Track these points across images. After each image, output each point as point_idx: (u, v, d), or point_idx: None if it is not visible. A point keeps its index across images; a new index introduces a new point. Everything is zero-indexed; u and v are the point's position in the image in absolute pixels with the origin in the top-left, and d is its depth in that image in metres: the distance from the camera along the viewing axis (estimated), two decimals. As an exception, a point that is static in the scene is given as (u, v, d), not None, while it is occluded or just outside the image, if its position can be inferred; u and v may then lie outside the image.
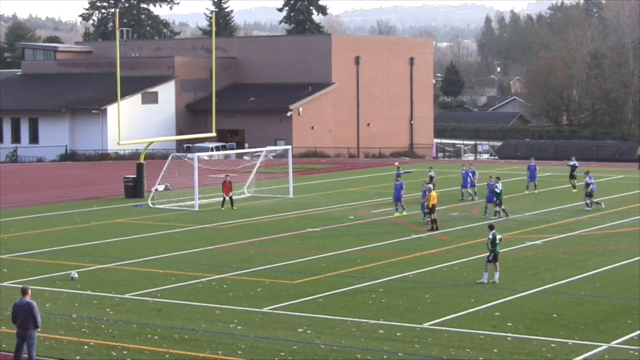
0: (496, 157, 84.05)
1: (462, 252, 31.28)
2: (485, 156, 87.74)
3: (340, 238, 34.79)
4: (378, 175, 57.59)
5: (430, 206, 36.27)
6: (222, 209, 43.16)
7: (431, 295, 24.78)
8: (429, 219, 37.07)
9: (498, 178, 40.06)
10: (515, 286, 25.82)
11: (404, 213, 39.89)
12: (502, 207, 39.42)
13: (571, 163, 49.01)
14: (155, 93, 78.90)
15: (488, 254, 26.48)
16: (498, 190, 39.21)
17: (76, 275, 27.48)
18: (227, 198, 43.51)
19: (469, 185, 44.91)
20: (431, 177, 43.72)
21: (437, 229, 36.05)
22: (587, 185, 42.27)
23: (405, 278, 27.20)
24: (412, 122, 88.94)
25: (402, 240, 34.22)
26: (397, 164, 68.83)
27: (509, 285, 25.92)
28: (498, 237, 26.56)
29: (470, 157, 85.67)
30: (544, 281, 26.42)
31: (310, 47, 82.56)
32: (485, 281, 26.16)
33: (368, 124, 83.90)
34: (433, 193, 36.86)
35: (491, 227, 27.06)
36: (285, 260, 30.22)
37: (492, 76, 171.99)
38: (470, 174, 45.04)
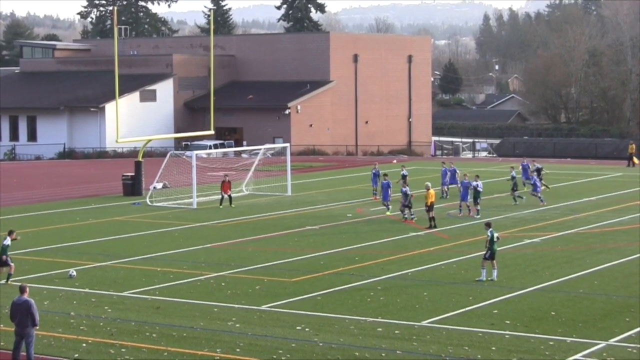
0: (494, 155, 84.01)
1: (461, 249, 31.27)
2: (484, 154, 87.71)
3: (339, 236, 34.82)
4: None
5: (429, 204, 36.30)
6: (220, 207, 43.15)
7: (429, 293, 24.78)
8: (407, 217, 37.53)
9: (477, 176, 40.09)
10: (514, 284, 25.83)
11: (390, 212, 39.81)
12: (478, 207, 39.23)
13: (537, 166, 48.49)
14: (154, 91, 78.82)
15: (485, 251, 26.46)
16: (480, 189, 39.12)
17: (74, 273, 27.48)
18: (226, 196, 43.53)
19: (448, 183, 45.34)
20: (404, 176, 43.41)
21: (435, 226, 36.06)
22: (513, 178, 43.23)
23: (404, 276, 27.19)
24: (410, 119, 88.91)
25: (400, 238, 34.22)
26: (395, 161, 68.84)
27: (507, 283, 25.92)
28: (495, 235, 26.55)
29: (469, 154, 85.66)
30: (542, 279, 26.44)
31: (308, 45, 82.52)
32: (484, 279, 26.16)
33: (366, 122, 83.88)
34: (431, 191, 36.89)
35: (488, 225, 27.07)
36: (283, 258, 30.21)
37: (491, 74, 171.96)
38: (449, 172, 45.53)
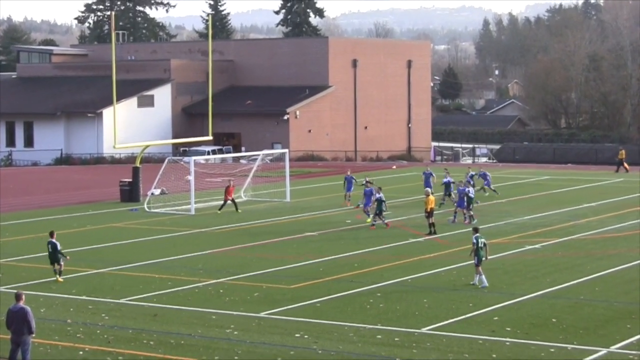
0: (494, 161, 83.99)
1: (461, 256, 31.18)
2: (484, 159, 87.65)
3: (338, 242, 34.79)
4: (376, 179, 57.48)
5: (429, 210, 36.24)
6: (219, 212, 43.15)
7: (429, 300, 24.74)
8: (373, 223, 37.50)
9: (469, 182, 40.00)
10: (514, 290, 25.79)
11: (368, 220, 39.32)
12: (471, 212, 39.08)
13: (445, 180, 48.08)
14: (152, 96, 78.77)
15: (474, 258, 26.45)
16: (472, 195, 39.03)
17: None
18: (230, 202, 43.57)
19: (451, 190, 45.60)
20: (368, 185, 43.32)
21: (435, 232, 36.01)
22: (448, 184, 43.82)
23: (404, 282, 27.16)
24: (409, 125, 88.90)
25: (400, 244, 34.19)
26: (395, 167, 68.82)
27: (508, 290, 25.89)
28: (482, 241, 26.56)
29: (468, 160, 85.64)
30: (543, 285, 26.40)
31: (307, 50, 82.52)
32: (487, 284, 26.13)
33: (365, 127, 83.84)
34: (431, 197, 36.83)
35: (475, 230, 27.08)
36: (282, 264, 30.18)
37: (490, 79, 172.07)
38: (432, 175, 46.22)
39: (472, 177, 46.04)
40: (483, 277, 26.32)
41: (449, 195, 43.83)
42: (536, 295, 25.21)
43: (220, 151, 72.73)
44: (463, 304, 24.14)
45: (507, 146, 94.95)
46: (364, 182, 41.80)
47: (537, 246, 33.33)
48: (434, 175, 46.52)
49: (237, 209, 43.58)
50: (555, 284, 26.56)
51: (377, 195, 38.16)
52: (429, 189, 38.49)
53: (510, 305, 24.05)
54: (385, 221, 37.99)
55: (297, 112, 77.66)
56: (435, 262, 30.43)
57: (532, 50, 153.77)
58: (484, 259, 26.57)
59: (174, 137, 75.96)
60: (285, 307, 24.02)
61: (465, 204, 38.78)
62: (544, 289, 25.95)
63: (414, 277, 27.83)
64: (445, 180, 44.08)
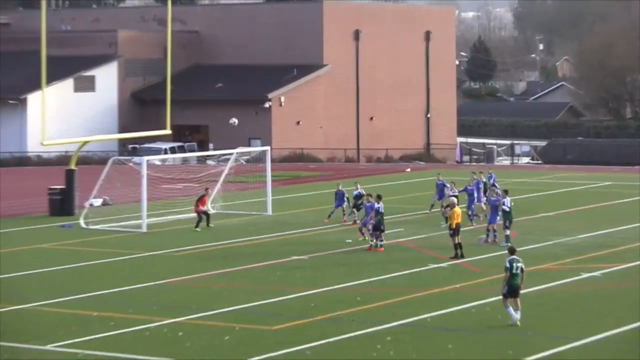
0: (539, 162, 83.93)
1: (496, 287, 30.85)
2: (526, 160, 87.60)
3: (335, 269, 34.73)
4: (385, 185, 57.40)
5: (455, 226, 35.94)
6: (198, 229, 43.16)
7: (455, 345, 24.59)
8: (378, 244, 37.60)
9: (506, 192, 39.69)
10: (568, 333, 25.65)
11: (367, 238, 39.37)
12: (507, 232, 38.39)
13: (356, 192, 47.53)
14: (92, 77, 79.10)
15: (505, 287, 26.30)
16: (507, 209, 38.54)
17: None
18: (203, 215, 43.71)
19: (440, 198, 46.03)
20: (359, 196, 43.19)
21: (462, 255, 35.80)
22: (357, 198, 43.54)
23: (421, 322, 27.04)
24: (428, 115, 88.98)
25: (416, 271, 34.10)
26: (409, 170, 68.61)
27: (559, 332, 25.74)
28: (518, 265, 26.26)
29: (505, 161, 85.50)
30: (605, 326, 26.22)
31: (295, 18, 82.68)
32: (518, 317, 26.05)
33: (371, 118, 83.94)
34: (457, 210, 36.59)
35: (512, 251, 26.81)
36: (261, 298, 30.04)
37: (533, 56, 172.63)
38: (446, 185, 46.18)
39: (483, 184, 45.77)
40: (511, 309, 26.19)
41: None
42: (597, 339, 25.03)
43: (182, 149, 72.63)
44: (500, 351, 24.01)
45: (556, 143, 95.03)
46: (359, 192, 41.55)
47: (596, 274, 33.20)
48: (447, 185, 46.20)
49: (208, 224, 43.63)
50: (621, 325, 26.38)
51: (376, 206, 37.93)
52: (454, 199, 38.13)
53: (562, 352, 23.88)
54: (380, 243, 37.70)
55: (282, 99, 77.67)
56: (462, 295, 30.31)
57: (587, 20, 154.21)
58: (520, 291, 26.33)
59: (121, 130, 76.00)
60: (266, 355, 23.79)
61: (502, 219, 38.35)
62: (606, 330, 25.78)
63: (435, 315, 27.70)
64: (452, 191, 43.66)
